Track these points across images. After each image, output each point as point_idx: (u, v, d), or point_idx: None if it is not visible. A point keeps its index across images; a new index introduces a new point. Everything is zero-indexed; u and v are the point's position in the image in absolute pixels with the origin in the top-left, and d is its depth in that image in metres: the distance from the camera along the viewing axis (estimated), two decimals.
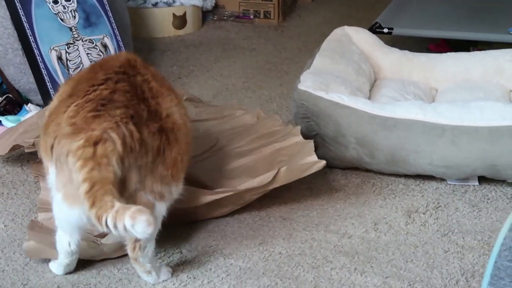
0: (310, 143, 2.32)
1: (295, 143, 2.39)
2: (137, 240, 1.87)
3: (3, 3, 2.89)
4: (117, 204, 1.64)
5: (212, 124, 2.66)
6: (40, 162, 2.34)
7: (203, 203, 2.16)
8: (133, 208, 1.63)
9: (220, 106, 2.97)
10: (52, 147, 1.79)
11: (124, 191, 1.77)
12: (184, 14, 4.15)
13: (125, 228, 1.61)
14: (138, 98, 1.85)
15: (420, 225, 2.25)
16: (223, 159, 2.45)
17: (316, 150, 2.32)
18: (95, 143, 1.71)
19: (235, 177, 2.32)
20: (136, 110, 1.81)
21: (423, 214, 2.30)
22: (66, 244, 1.91)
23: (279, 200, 2.37)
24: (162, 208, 1.89)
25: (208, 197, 2.16)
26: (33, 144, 2.41)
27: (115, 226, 1.62)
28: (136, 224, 1.61)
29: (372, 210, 2.33)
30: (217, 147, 2.52)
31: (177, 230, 2.20)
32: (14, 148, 2.50)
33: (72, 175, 1.72)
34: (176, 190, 1.92)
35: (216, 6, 4.43)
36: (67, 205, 1.79)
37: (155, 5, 4.10)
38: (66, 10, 3.00)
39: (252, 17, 4.40)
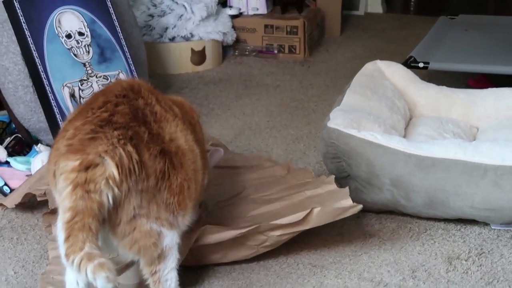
0: (345, 189, 2.36)
1: (328, 191, 2.43)
2: (154, 273, 1.93)
3: (14, 38, 2.98)
4: (86, 248, 1.71)
5: (239, 172, 2.71)
6: (51, 212, 2.43)
7: (225, 239, 2.19)
8: (97, 261, 1.69)
9: (247, 155, 3.02)
10: (54, 174, 1.86)
11: (121, 217, 1.83)
12: (203, 49, 4.25)
13: (87, 277, 1.69)
14: (139, 121, 1.92)
15: (462, 272, 2.27)
16: (249, 205, 2.49)
17: None
18: (87, 168, 1.79)
19: (261, 222, 2.35)
20: (136, 132, 1.88)
21: (465, 261, 2.33)
22: (74, 283, 1.89)
23: (308, 246, 2.40)
24: (173, 237, 1.95)
25: (232, 232, 2.20)
26: (45, 193, 2.48)
27: (79, 271, 1.70)
28: (97, 278, 1.68)
29: (410, 257, 2.35)
30: (243, 195, 2.57)
31: (198, 276, 2.25)
32: (27, 196, 2.57)
33: (59, 198, 1.80)
34: (183, 220, 1.98)
35: (237, 41, 4.53)
36: None
37: (172, 39, 4.21)
38: (79, 45, 3.09)
39: (276, 52, 4.49)
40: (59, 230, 1.78)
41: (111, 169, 1.79)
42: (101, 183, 1.78)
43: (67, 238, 1.73)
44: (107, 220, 1.82)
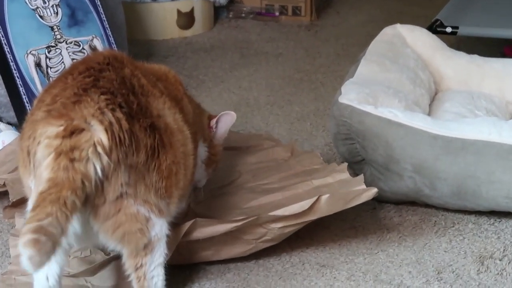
0: (359, 177, 2.36)
1: (340, 180, 2.43)
2: (139, 267, 1.94)
3: None
4: (43, 222, 1.67)
5: (233, 155, 2.72)
6: (13, 206, 2.43)
7: (218, 234, 2.20)
8: (35, 236, 1.66)
9: (243, 134, 3.02)
10: (29, 152, 1.86)
11: (107, 194, 1.84)
12: (192, 10, 4.24)
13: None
14: (127, 89, 1.95)
15: (496, 274, 2.28)
16: (246, 195, 2.50)
17: None
18: (71, 133, 1.80)
19: (260, 214, 2.36)
20: (125, 100, 1.91)
21: (500, 260, 2.34)
22: (43, 279, 1.89)
23: (315, 242, 2.41)
24: (163, 226, 1.97)
25: (226, 226, 2.20)
26: (4, 184, 2.49)
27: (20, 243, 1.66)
28: (22, 254, 1.65)
29: (434, 256, 2.36)
30: (239, 183, 2.58)
31: (187, 277, 2.25)
32: None
33: (38, 170, 1.80)
34: (168, 209, 2.00)
35: (232, 1, 4.52)
36: None
37: None
38: (46, 5, 3.08)
39: (277, 14, 4.48)
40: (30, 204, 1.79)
41: (99, 134, 1.81)
42: (88, 150, 1.79)
43: (34, 208, 1.72)
44: (90, 200, 1.82)
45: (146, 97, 1.99)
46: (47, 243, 1.67)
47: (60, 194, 1.73)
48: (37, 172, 1.82)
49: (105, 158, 1.81)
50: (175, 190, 2.01)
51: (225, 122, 2.42)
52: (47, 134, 1.81)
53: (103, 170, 1.81)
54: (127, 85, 1.97)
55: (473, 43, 3.82)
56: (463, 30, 3.50)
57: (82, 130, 1.81)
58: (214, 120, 2.39)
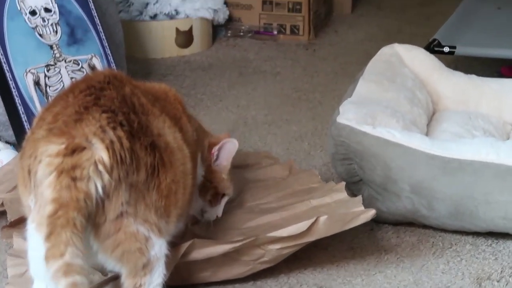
0: (358, 198, 2.36)
1: (338, 200, 2.43)
2: (138, 287, 1.95)
3: None
4: (66, 256, 1.71)
5: (232, 173, 2.70)
6: (11, 226, 2.43)
7: (216, 254, 2.19)
8: (72, 279, 1.70)
9: (242, 152, 3.01)
10: (29, 171, 1.86)
11: (108, 212, 1.84)
12: (190, 29, 4.25)
13: None
14: (128, 107, 1.96)
15: None
16: (244, 215, 2.49)
17: None
18: (73, 152, 1.80)
19: (258, 235, 2.35)
20: (126, 118, 1.92)
21: (497, 282, 2.33)
22: None
23: (313, 263, 2.40)
24: (162, 245, 1.97)
25: (223, 247, 2.19)
26: (2, 204, 2.48)
27: (53, 281, 1.71)
28: None
29: (432, 277, 2.35)
30: (237, 202, 2.57)
31: None
32: None
33: (40, 189, 1.80)
34: (166, 229, 1.99)
35: (230, 19, 4.52)
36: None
37: (154, 17, 4.21)
38: (46, 23, 3.08)
39: (275, 33, 4.49)
40: (37, 227, 1.78)
41: (100, 153, 1.81)
42: (89, 168, 1.79)
43: (48, 236, 1.73)
44: (91, 219, 1.83)
45: (146, 115, 2.00)
46: (83, 280, 1.72)
47: (68, 216, 1.74)
48: (38, 191, 1.82)
49: (106, 177, 1.81)
50: (173, 209, 2.01)
51: (228, 151, 2.38)
52: (48, 152, 1.82)
53: (104, 188, 1.82)
54: (128, 104, 1.98)
55: (471, 63, 3.83)
56: (460, 50, 3.50)
57: (84, 148, 1.81)
58: (216, 148, 2.36)
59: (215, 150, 2.37)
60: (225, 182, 2.39)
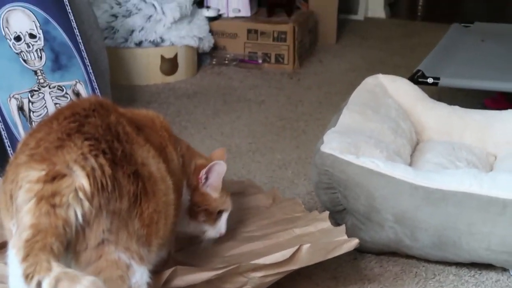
0: (341, 228, 2.36)
1: (321, 229, 2.42)
2: None
3: None
4: (56, 269, 1.68)
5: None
6: None
7: (198, 282, 2.17)
8: (87, 279, 1.67)
9: (226, 180, 3.00)
10: (11, 196, 1.84)
11: (89, 240, 1.83)
12: (175, 56, 4.26)
13: None
14: (112, 135, 1.95)
15: None
16: (227, 243, 2.48)
17: None
18: (53, 179, 1.79)
19: (241, 262, 2.34)
20: (110, 146, 1.91)
21: None
22: None
23: None
24: (143, 273, 1.94)
25: (206, 274, 2.17)
26: None
27: None
28: None
29: None
30: None
31: None
32: None
33: (20, 214, 1.78)
34: (149, 257, 1.98)
35: (215, 48, 4.54)
36: None
37: (139, 44, 4.21)
38: (30, 49, 3.08)
39: (260, 61, 4.51)
40: (15, 252, 1.75)
41: (81, 180, 1.80)
42: (69, 195, 1.78)
43: (25, 258, 1.70)
44: (71, 246, 1.81)
45: (131, 144, 1.99)
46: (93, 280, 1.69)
47: (45, 241, 1.72)
48: (19, 216, 1.80)
49: (86, 204, 1.80)
50: (155, 238, 1.99)
51: (217, 173, 2.35)
52: (28, 178, 1.80)
53: (84, 215, 1.80)
54: (112, 132, 1.97)
55: (454, 94, 3.85)
56: (444, 81, 3.52)
57: (64, 175, 1.80)
58: (204, 171, 2.34)
59: (202, 174, 2.35)
60: (218, 200, 2.37)
